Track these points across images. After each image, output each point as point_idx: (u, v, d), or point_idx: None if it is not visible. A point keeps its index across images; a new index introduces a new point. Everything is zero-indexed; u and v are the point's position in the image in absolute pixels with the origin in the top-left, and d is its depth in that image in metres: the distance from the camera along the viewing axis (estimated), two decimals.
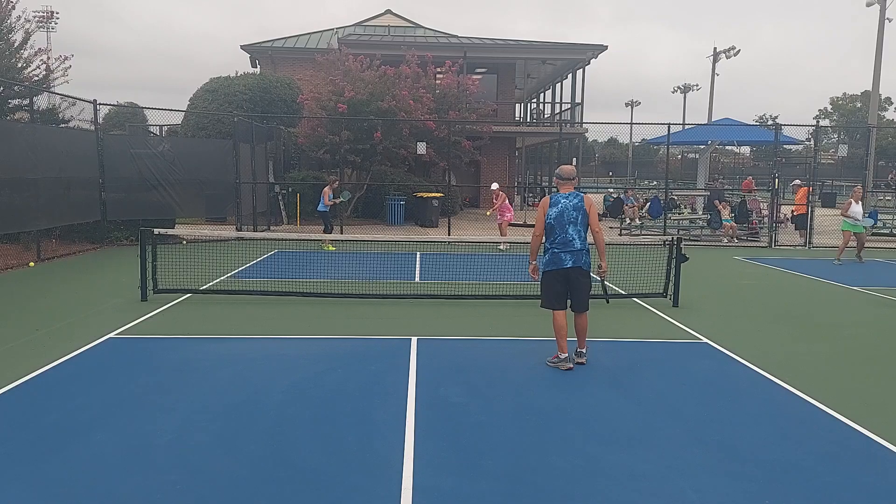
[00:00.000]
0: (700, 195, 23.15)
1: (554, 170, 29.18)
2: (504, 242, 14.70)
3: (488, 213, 17.29)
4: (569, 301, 6.13)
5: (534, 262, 6.31)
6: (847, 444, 4.54)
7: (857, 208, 13.95)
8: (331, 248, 14.28)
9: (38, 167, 11.89)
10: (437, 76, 22.53)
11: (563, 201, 6.06)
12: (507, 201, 15.77)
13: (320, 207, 15.20)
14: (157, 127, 20.13)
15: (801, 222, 18.12)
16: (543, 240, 6.12)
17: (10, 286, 9.77)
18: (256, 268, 11.69)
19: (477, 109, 23.22)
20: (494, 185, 16.01)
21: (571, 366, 6.00)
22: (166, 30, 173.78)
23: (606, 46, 26.37)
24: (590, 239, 6.16)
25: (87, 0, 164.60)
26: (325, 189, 15.14)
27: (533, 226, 6.31)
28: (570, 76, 28.81)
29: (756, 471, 4.07)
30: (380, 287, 9.73)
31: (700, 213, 21.44)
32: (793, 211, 18.54)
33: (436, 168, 23.25)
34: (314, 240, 13.34)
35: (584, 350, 6.19)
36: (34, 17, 21.72)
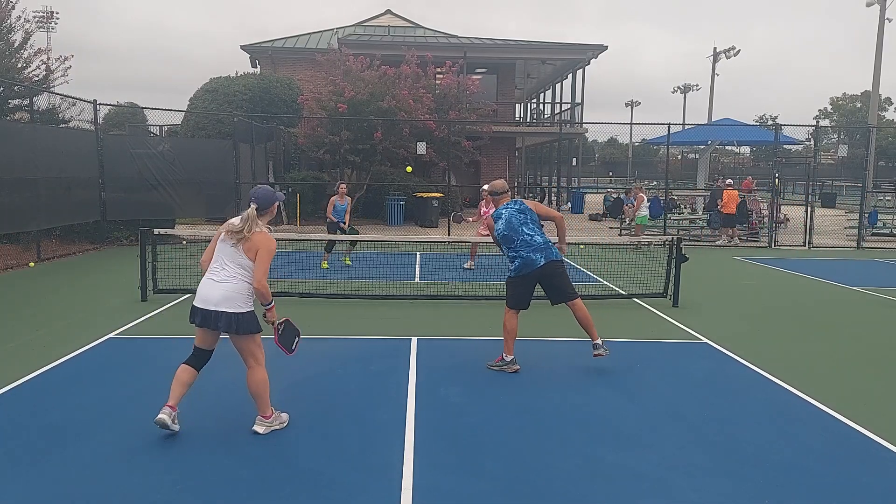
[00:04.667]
0: (700, 195, 23.16)
1: (554, 170, 28.99)
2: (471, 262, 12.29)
3: (472, 220, 13.34)
4: (544, 297, 6.08)
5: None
6: (847, 444, 4.54)
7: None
8: (347, 262, 12.15)
9: (38, 167, 11.88)
10: (437, 76, 22.52)
11: (504, 211, 6.05)
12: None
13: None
14: (157, 127, 20.10)
15: (729, 221, 17.89)
16: (506, 251, 6.02)
17: (10, 286, 9.76)
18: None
19: (477, 109, 23.20)
20: (486, 187, 13.52)
21: (518, 367, 5.92)
22: (166, 30, 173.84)
23: (606, 46, 26.39)
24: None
25: (85, 0, 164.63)
26: (332, 198, 12.04)
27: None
28: (569, 76, 28.82)
29: (756, 471, 4.07)
30: (380, 287, 9.73)
31: (700, 213, 21.43)
32: (719, 209, 18.18)
33: (436, 168, 23.25)
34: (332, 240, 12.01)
35: (599, 341, 5.97)
36: (34, 17, 21.77)
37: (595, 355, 5.95)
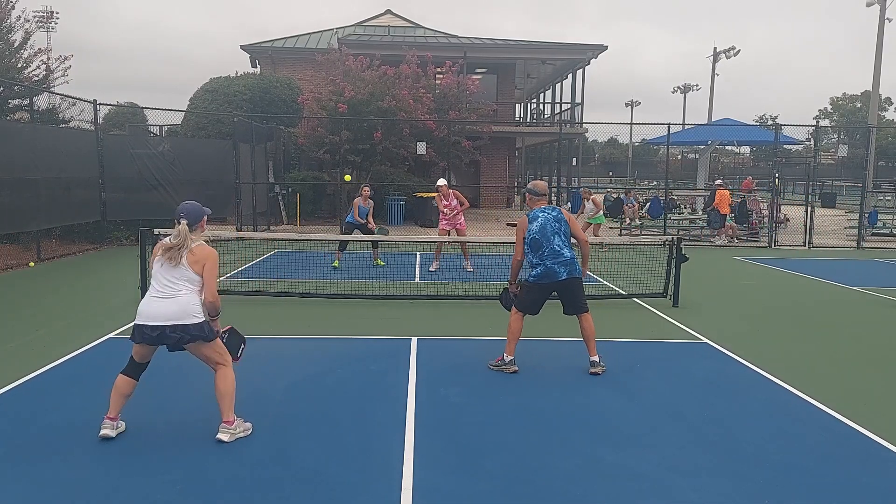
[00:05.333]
0: (700, 195, 23.17)
1: (554, 170, 28.81)
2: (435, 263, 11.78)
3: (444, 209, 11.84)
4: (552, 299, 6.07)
5: (514, 285, 6.13)
6: (847, 444, 4.54)
7: (590, 206, 15.74)
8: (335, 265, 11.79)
9: (38, 167, 11.88)
10: (437, 76, 22.52)
11: (541, 215, 5.94)
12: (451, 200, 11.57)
13: (349, 219, 12.09)
14: (157, 127, 20.12)
15: (722, 220, 18.10)
16: (530, 257, 5.95)
17: (10, 286, 9.77)
18: (256, 268, 11.69)
19: (477, 109, 23.20)
20: (442, 181, 11.99)
21: (516, 368, 5.91)
22: (166, 30, 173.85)
23: (606, 46, 26.38)
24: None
25: (85, 0, 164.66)
26: (356, 199, 12.03)
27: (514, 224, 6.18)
28: (569, 76, 28.82)
29: (756, 471, 4.07)
30: (380, 287, 9.73)
31: (700, 213, 21.44)
32: (714, 207, 18.36)
33: (436, 168, 23.25)
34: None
35: (596, 358, 5.97)
36: (34, 17, 21.72)
37: (591, 372, 5.94)
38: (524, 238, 5.95)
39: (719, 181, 19.63)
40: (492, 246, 14.91)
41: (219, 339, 4.43)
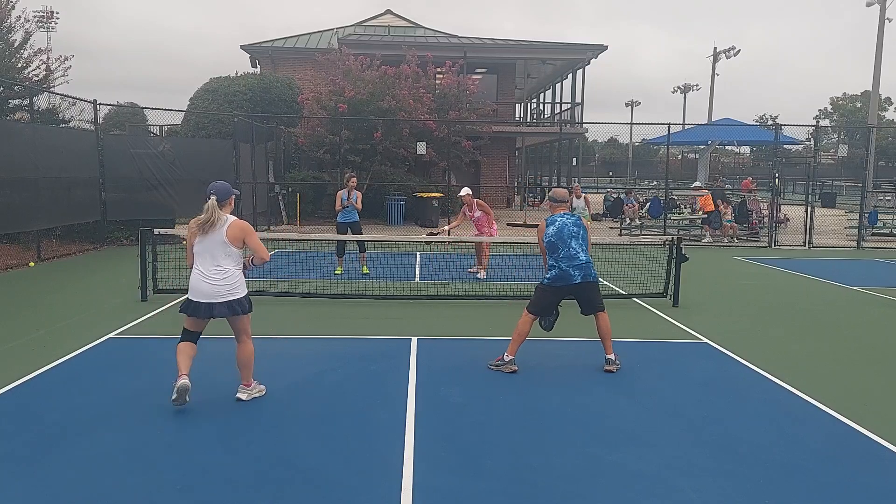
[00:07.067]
0: (700, 195, 23.16)
1: (554, 170, 28.77)
2: (482, 270, 11.37)
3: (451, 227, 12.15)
4: (574, 309, 6.13)
5: None
6: (847, 444, 4.54)
7: (577, 202, 15.16)
8: (365, 271, 11.30)
9: (38, 167, 11.88)
10: (437, 76, 22.52)
11: (559, 219, 6.04)
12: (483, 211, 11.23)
13: (339, 218, 11.25)
14: (157, 127, 20.11)
15: (711, 220, 18.24)
16: (548, 258, 6.01)
17: (10, 286, 9.77)
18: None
19: (477, 109, 23.20)
20: (465, 191, 11.54)
21: (515, 368, 5.92)
22: (166, 30, 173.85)
23: (606, 46, 26.37)
24: None
25: (86, 0, 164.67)
26: (339, 192, 11.25)
27: (535, 225, 6.24)
28: (569, 76, 28.82)
29: (756, 471, 4.07)
30: (380, 287, 9.73)
31: (700, 212, 21.45)
32: (701, 209, 18.47)
33: (436, 168, 23.25)
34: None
35: (612, 356, 6.00)
36: (34, 17, 21.74)
37: (605, 369, 5.96)
38: (543, 240, 6.02)
39: (697, 183, 19.72)
40: (491, 246, 14.86)
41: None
